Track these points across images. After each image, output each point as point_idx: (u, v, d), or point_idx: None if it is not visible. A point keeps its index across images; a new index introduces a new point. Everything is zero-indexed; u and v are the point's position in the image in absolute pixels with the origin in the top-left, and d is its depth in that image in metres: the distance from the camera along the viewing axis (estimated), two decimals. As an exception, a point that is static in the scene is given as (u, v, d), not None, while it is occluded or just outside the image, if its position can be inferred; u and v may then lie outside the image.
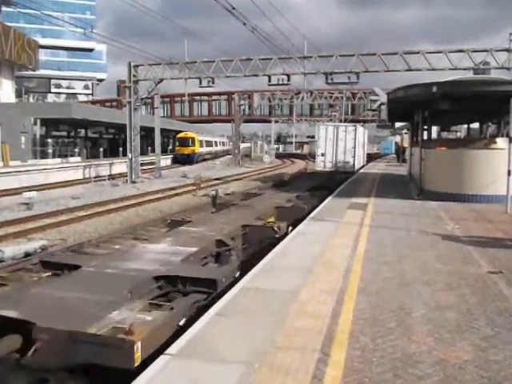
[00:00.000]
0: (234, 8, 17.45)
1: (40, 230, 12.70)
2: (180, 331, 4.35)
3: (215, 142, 60.11)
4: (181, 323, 4.80)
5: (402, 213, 11.13)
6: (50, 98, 76.97)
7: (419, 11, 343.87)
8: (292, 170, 38.44)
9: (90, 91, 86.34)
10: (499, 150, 12.18)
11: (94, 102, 71.08)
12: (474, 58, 21.50)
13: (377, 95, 35.06)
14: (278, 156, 63.07)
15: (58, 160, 32.55)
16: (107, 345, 4.03)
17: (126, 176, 27.79)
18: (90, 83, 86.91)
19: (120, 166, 32.60)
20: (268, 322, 4.38)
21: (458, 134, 31.32)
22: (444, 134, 29.10)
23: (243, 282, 5.59)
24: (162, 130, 36.79)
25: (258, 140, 73.55)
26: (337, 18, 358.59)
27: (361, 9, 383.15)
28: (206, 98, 70.00)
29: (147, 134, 45.56)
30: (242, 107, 47.54)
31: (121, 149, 39.27)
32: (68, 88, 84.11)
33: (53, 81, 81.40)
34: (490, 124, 20.94)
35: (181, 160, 46.16)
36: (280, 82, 25.32)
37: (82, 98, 79.95)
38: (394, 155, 46.04)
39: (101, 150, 39.90)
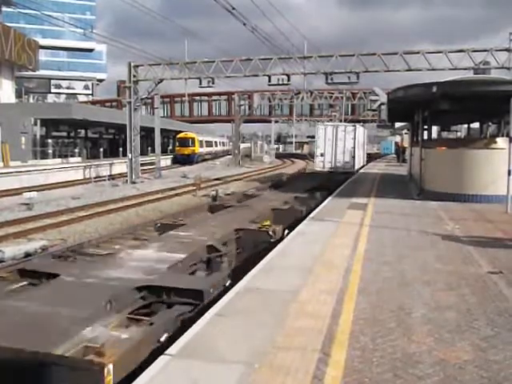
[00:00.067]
0: (234, 8, 17.47)
1: (40, 231, 12.70)
2: (162, 348, 4.06)
3: (215, 142, 60.12)
4: (162, 339, 4.45)
5: (402, 213, 11.13)
6: (50, 98, 76.99)
7: (419, 11, 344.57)
8: (292, 170, 38.44)
9: (90, 91, 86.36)
10: (499, 150, 12.18)
11: (93, 103, 71.10)
12: (474, 58, 21.50)
13: (377, 95, 35.05)
14: (278, 156, 63.07)
15: (58, 160, 32.55)
16: (75, 368, 3.66)
17: (126, 176, 27.79)
18: (89, 83, 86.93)
19: (120, 166, 32.60)
20: (268, 322, 4.38)
21: (458, 133, 31.32)
22: (444, 134, 29.09)
23: (243, 282, 5.59)
24: (162, 130, 36.79)
25: (258, 140, 73.53)
26: (337, 18, 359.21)
27: (361, 9, 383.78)
28: (206, 98, 70.01)
29: (147, 134, 45.57)
30: (242, 107, 47.58)
31: (121, 149, 39.28)
32: (68, 88, 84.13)
33: (53, 81, 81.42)
34: (490, 124, 20.95)
35: (181, 160, 46.17)
36: (280, 82, 25.30)
37: (82, 99, 79.97)
38: (394, 155, 46.05)
39: (101, 150, 39.93)
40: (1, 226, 12.85)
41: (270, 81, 25.07)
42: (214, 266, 7.32)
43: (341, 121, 47.63)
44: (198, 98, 68.58)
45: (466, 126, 25.87)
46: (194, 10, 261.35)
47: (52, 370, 3.68)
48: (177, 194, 21.62)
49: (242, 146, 53.56)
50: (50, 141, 35.21)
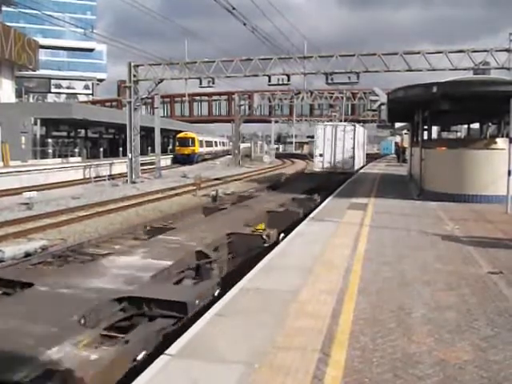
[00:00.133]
0: (234, 8, 17.44)
1: (40, 230, 12.70)
2: (140, 368, 3.73)
3: (215, 142, 60.13)
4: (139, 357, 4.05)
5: (402, 213, 11.13)
6: (50, 98, 76.98)
7: (419, 11, 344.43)
8: (292, 171, 38.43)
9: (90, 91, 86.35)
10: (499, 151, 12.19)
11: (94, 102, 71.10)
12: (474, 58, 21.50)
13: (377, 95, 35.01)
14: (278, 156, 63.07)
15: (58, 160, 32.56)
16: None
17: (126, 176, 27.79)
18: (90, 83, 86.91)
19: (120, 166, 32.59)
20: (268, 321, 4.38)
21: (458, 134, 31.33)
22: (444, 134, 29.09)
23: (243, 282, 5.59)
24: (162, 130, 36.79)
25: (258, 140, 73.58)
26: (337, 17, 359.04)
27: (361, 9, 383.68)
28: (206, 98, 69.99)
29: (147, 134, 45.58)
30: (242, 107, 47.55)
31: (121, 149, 39.29)
32: (68, 88, 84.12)
33: (53, 81, 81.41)
34: (490, 124, 20.95)
35: (181, 160, 46.17)
36: (280, 82, 25.29)
37: (82, 98, 79.97)
38: (394, 155, 46.06)
39: (101, 150, 39.93)
40: (1, 226, 12.85)
41: (270, 81, 25.07)
42: (203, 273, 6.87)
43: (341, 121, 47.55)
44: (198, 97, 68.57)
45: (465, 126, 25.88)
46: (194, 9, 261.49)
47: None
48: (177, 194, 21.62)
49: (242, 145, 53.56)
50: (49, 140, 35.20)
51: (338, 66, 23.76)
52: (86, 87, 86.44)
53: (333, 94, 46.30)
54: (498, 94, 11.46)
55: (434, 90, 11.93)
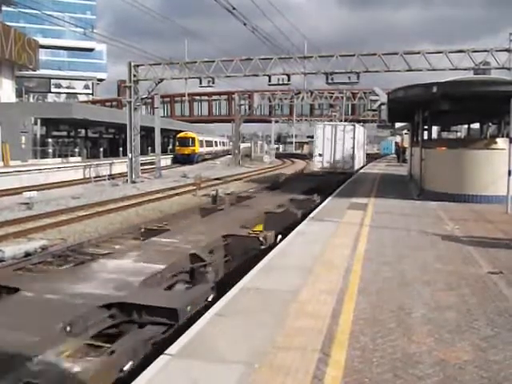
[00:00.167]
0: (234, 8, 17.44)
1: (40, 230, 12.70)
2: (128, 378, 3.60)
3: (215, 141, 60.13)
4: (125, 368, 3.91)
5: (402, 213, 11.13)
6: (50, 97, 77.08)
7: (419, 11, 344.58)
8: (292, 170, 38.41)
9: (90, 91, 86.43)
10: (499, 151, 12.19)
11: (94, 102, 71.12)
12: (475, 58, 21.52)
13: (377, 95, 34.99)
14: (278, 156, 63.08)
15: (59, 160, 32.57)
16: None
17: (126, 176, 27.80)
18: (90, 83, 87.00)
19: (120, 165, 32.60)
20: (268, 321, 4.37)
21: (459, 134, 31.33)
22: (444, 134, 29.08)
23: (243, 282, 5.59)
24: (162, 130, 36.81)
25: (258, 140, 73.62)
26: (337, 18, 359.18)
27: (361, 9, 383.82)
28: (206, 97, 70.00)
29: (147, 133, 45.59)
30: (242, 107, 47.62)
31: (121, 149, 39.31)
32: (68, 88, 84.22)
33: (53, 80, 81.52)
34: (490, 124, 20.94)
35: (181, 160, 46.18)
36: (280, 82, 25.31)
37: (82, 98, 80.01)
38: (394, 155, 46.06)
39: (101, 149, 39.96)
40: (1, 226, 12.86)
41: (270, 81, 25.08)
42: (197, 277, 6.63)
43: (341, 121, 47.56)
44: (198, 97, 68.59)
45: (466, 126, 25.87)
46: (194, 9, 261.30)
47: None
48: (177, 194, 21.63)
49: (242, 145, 53.60)
50: (50, 140, 35.21)
51: (338, 66, 23.79)
52: (86, 87, 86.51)
53: (333, 93, 46.31)
54: (498, 94, 11.46)
55: (434, 90, 11.92)
